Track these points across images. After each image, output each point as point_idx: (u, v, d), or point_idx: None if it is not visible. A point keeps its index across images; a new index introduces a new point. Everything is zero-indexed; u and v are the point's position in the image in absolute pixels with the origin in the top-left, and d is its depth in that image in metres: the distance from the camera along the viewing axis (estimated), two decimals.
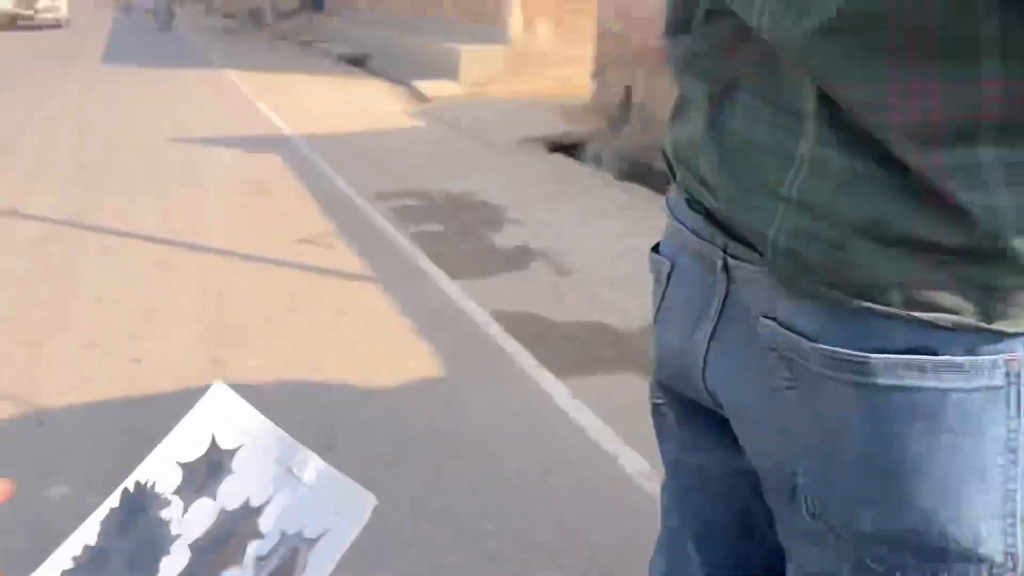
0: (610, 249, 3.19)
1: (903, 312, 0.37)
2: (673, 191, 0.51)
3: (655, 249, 0.53)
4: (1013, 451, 0.40)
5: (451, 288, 2.76)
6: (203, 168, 4.62)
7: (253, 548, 0.30)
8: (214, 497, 0.31)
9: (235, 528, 0.31)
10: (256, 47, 12.52)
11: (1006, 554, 0.41)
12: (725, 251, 0.43)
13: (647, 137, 4.38)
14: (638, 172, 4.11)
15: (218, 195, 4.05)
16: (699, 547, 0.60)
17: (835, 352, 0.38)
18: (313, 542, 0.31)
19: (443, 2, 8.31)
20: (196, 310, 2.64)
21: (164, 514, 0.31)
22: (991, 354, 0.38)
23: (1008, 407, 0.40)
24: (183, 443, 0.32)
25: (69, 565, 0.29)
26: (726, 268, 0.43)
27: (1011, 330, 0.36)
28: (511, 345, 2.28)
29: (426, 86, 7.07)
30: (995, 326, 0.36)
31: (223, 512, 0.31)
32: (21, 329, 2.54)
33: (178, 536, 0.31)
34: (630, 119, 4.81)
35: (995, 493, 0.41)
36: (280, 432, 0.32)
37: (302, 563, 0.30)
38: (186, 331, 2.50)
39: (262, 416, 0.32)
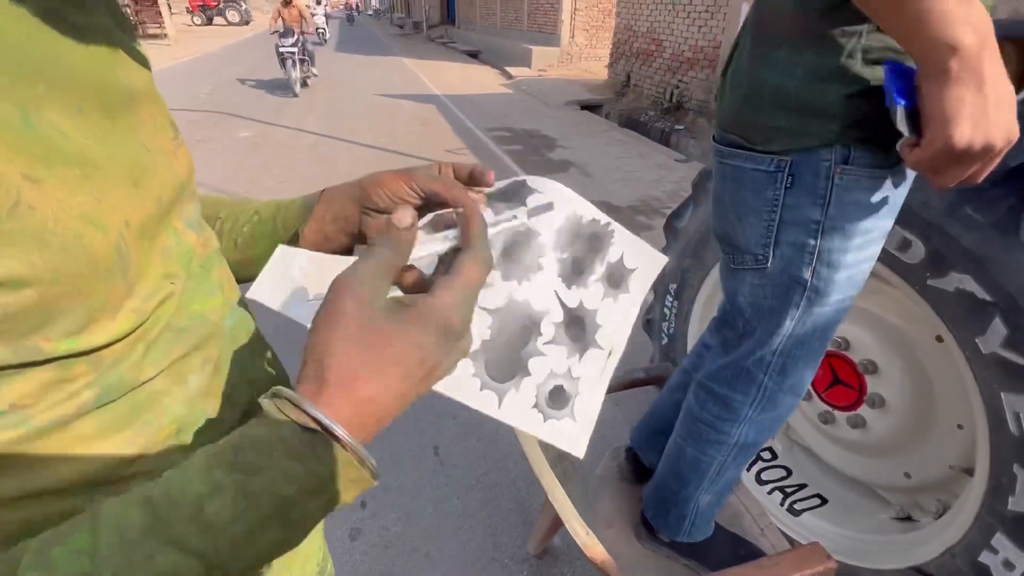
0: (615, 163, 5.07)
1: (741, 138, 0.73)
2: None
3: None
4: (775, 203, 0.72)
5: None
6: (393, 110, 7.24)
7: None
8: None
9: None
10: (416, 45, 17.43)
11: (763, 255, 0.75)
12: None
13: (636, 103, 7.38)
14: (630, 122, 6.80)
15: (402, 124, 6.46)
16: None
17: (714, 146, 0.77)
18: (631, 271, 0.43)
19: (523, 20, 12.39)
20: None
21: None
22: (766, 154, 0.71)
23: (776, 182, 0.71)
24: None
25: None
26: None
27: (776, 148, 0.69)
28: None
29: (512, 70, 10.59)
30: (769, 147, 0.70)
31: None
32: (312, 187, 4.86)
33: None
34: (628, 92, 7.87)
35: (762, 224, 0.74)
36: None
37: (626, 281, 0.43)
38: None
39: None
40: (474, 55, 13.85)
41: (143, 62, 0.34)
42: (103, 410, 0.28)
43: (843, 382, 1.29)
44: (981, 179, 0.56)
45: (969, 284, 0.88)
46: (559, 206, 0.41)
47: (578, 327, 0.41)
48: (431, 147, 5.49)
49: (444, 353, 0.29)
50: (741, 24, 0.80)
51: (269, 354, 0.42)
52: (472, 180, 0.42)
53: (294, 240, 0.45)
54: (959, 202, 0.89)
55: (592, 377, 0.41)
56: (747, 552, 1.08)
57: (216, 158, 5.08)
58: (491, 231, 0.37)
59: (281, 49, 7.80)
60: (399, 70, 11.48)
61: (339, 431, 0.26)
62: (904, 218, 0.95)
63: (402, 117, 6.87)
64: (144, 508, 0.24)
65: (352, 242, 0.45)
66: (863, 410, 1.26)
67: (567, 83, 9.00)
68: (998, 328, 0.85)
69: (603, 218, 0.43)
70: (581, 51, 10.64)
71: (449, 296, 0.30)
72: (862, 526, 1.25)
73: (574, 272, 0.41)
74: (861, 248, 0.74)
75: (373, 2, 48.50)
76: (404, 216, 0.32)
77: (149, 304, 0.30)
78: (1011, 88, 0.51)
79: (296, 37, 7.85)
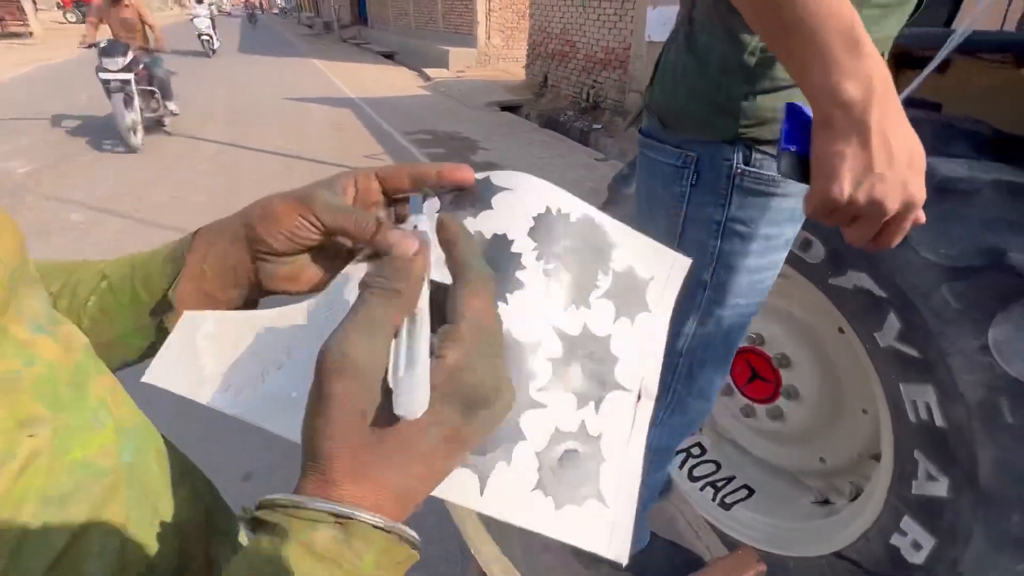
0: (538, 163, 5.15)
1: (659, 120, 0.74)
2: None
3: None
4: (681, 199, 0.73)
5: None
6: (304, 114, 6.88)
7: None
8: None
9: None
10: (328, 45, 16.61)
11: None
12: None
13: (555, 103, 7.47)
14: (550, 122, 6.89)
15: (315, 129, 6.20)
16: None
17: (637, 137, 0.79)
18: (646, 282, 0.34)
19: (439, 21, 12.30)
20: None
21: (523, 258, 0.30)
22: (676, 148, 0.71)
23: (683, 178, 0.71)
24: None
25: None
26: None
27: (683, 135, 0.70)
28: None
29: (429, 71, 10.42)
30: (678, 132, 0.70)
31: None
32: (215, 200, 3.86)
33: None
34: (546, 92, 7.98)
35: (670, 219, 0.75)
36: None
37: (641, 296, 0.33)
38: None
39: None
40: (389, 56, 13.56)
41: None
42: None
43: (761, 376, 1.34)
44: (895, 240, 0.50)
45: (865, 282, 0.92)
46: (525, 195, 0.32)
47: (589, 362, 0.31)
48: (348, 153, 5.32)
49: (471, 425, 0.23)
50: (649, 27, 0.78)
51: (183, 469, 0.33)
52: (430, 184, 0.32)
53: (163, 307, 0.33)
54: None
55: (620, 432, 0.30)
56: (683, 560, 1.08)
57: (97, 172, 4.56)
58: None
59: (103, 75, 4.55)
60: (310, 72, 10.94)
61: (365, 515, 0.22)
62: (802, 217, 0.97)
63: (315, 122, 6.58)
64: None
65: (251, 297, 0.34)
66: (780, 402, 1.31)
67: (486, 84, 8.99)
68: (893, 322, 0.89)
69: (597, 214, 0.33)
70: (498, 52, 10.67)
71: (458, 352, 0.23)
72: (787, 514, 1.30)
73: (568, 288, 0.31)
74: (761, 254, 0.73)
75: (279, 0, 46.00)
76: (408, 242, 0.25)
77: (1, 483, 0.21)
78: (917, 147, 0.48)
79: (129, 56, 4.64)
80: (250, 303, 0.35)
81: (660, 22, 5.42)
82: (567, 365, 0.30)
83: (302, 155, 5.19)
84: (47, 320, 0.27)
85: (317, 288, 0.33)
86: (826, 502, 1.30)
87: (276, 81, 9.68)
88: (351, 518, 0.22)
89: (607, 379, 0.31)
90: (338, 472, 0.22)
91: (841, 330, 1.13)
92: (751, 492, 1.42)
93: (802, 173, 0.51)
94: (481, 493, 0.27)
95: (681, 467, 1.52)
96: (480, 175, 0.33)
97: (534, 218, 0.32)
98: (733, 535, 1.31)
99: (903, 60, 1.32)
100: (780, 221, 0.71)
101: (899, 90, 1.17)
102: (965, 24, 0.82)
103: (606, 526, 0.29)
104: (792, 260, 1.03)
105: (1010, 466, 0.78)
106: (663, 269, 0.35)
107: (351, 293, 0.31)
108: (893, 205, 0.47)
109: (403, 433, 0.22)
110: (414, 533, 0.24)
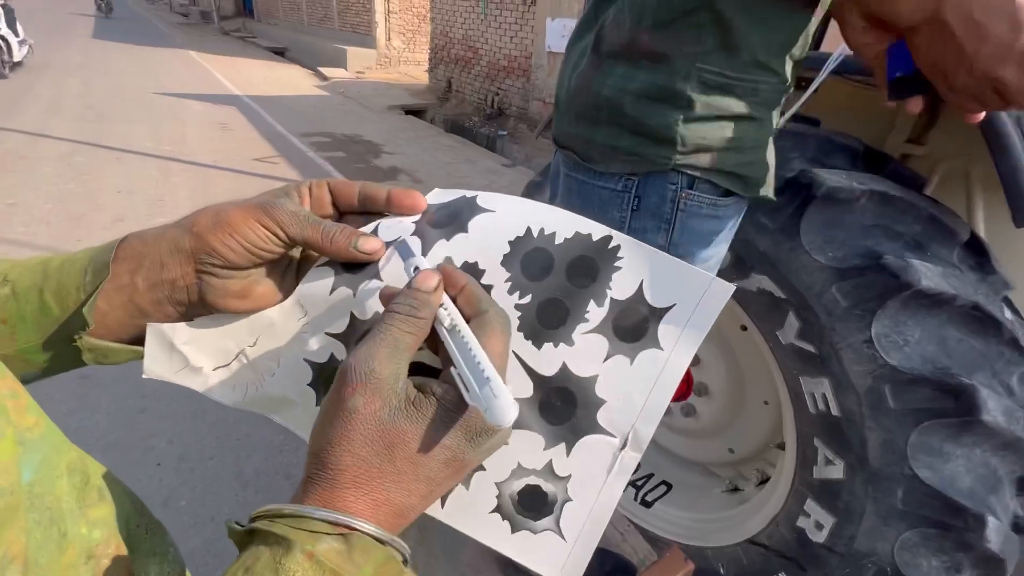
0: (444, 167, 5.08)
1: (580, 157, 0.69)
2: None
3: None
4: (621, 224, 0.69)
5: None
6: (181, 111, 6.21)
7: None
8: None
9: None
10: (207, 37, 14.93)
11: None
12: None
13: (460, 108, 7.44)
14: (456, 127, 6.85)
15: (195, 129, 5.62)
16: None
17: (561, 154, 0.74)
18: (662, 312, 0.29)
19: (335, 18, 11.73)
20: (190, 197, 3.76)
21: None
22: (617, 174, 0.67)
23: (623, 203, 0.67)
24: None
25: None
26: None
27: (615, 170, 0.66)
28: None
29: (326, 70, 9.89)
30: (611, 168, 0.67)
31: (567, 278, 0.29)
32: (66, 208, 3.38)
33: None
34: (450, 97, 7.96)
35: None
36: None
37: (652, 330, 0.28)
38: (184, 211, 3.85)
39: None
40: (280, 52, 12.63)
41: None
42: None
43: None
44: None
45: (767, 284, 0.98)
46: (506, 216, 0.30)
47: (564, 403, 0.29)
48: (234, 155, 4.91)
49: (474, 451, 0.25)
50: (549, 38, 0.75)
51: (102, 484, 0.28)
52: (374, 207, 0.32)
53: (78, 321, 0.30)
54: (752, 209, 0.98)
55: (593, 475, 0.29)
56: (613, 566, 1.08)
57: None
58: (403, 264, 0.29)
59: None
60: (186, 65, 9.89)
61: (369, 527, 0.23)
62: None
63: (194, 120, 6.03)
64: None
65: (186, 314, 0.32)
66: (692, 399, 1.37)
67: (388, 87, 8.73)
68: (792, 321, 0.96)
69: (597, 230, 0.30)
70: (399, 55, 10.42)
71: None
72: (703, 506, 1.36)
73: (545, 323, 0.29)
74: None
75: None
76: (429, 277, 0.27)
77: None
78: None
79: None
80: (186, 320, 0.32)
81: (559, 33, 5.61)
82: (536, 405, 0.29)
83: (179, 157, 4.72)
84: None
85: (266, 305, 0.32)
86: (736, 489, 1.38)
87: (142, 71, 8.63)
88: (355, 530, 0.22)
89: (585, 424, 0.29)
90: (347, 483, 0.23)
91: (744, 327, 1.21)
92: (669, 487, 1.47)
93: (913, 88, 0.53)
94: (442, 506, 0.29)
95: None
96: (470, 193, 0.32)
97: (510, 242, 0.30)
98: (655, 532, 1.35)
99: None
100: (717, 242, 0.72)
101: (784, 109, 1.25)
102: (839, 50, 0.91)
103: (561, 554, 0.29)
104: None
105: (893, 446, 0.87)
106: (690, 296, 0.29)
107: (325, 301, 0.30)
108: None
109: (413, 454, 0.24)
110: (408, 548, 0.24)
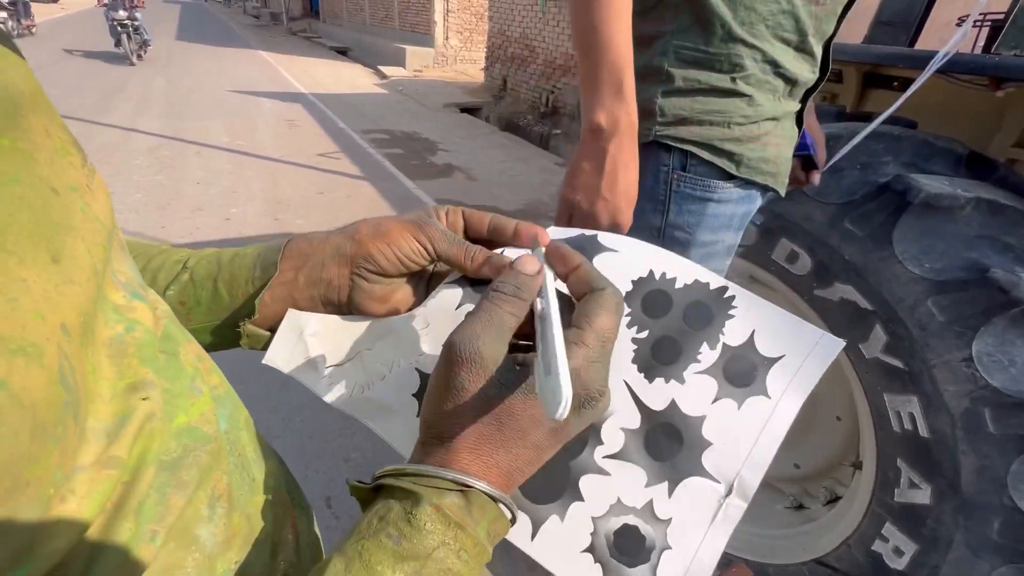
0: (499, 167, 5.08)
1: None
2: None
3: None
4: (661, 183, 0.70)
5: (410, 184, 4.29)
6: (253, 108, 6.55)
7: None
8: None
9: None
10: (276, 38, 15.81)
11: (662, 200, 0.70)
12: None
13: (514, 107, 7.48)
14: (510, 126, 6.88)
15: (265, 125, 5.92)
16: None
17: None
18: (771, 361, 0.29)
19: (395, 18, 12.11)
20: (261, 190, 3.97)
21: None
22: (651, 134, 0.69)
23: (661, 156, 0.70)
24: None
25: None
26: None
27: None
28: None
29: (386, 69, 10.17)
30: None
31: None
32: (153, 198, 3.70)
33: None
34: (505, 96, 8.00)
35: (651, 194, 0.71)
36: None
37: (760, 377, 0.28)
38: (256, 203, 3.70)
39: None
40: (343, 52, 13.08)
41: (10, 46, 0.23)
42: None
43: None
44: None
45: (851, 294, 0.93)
46: (629, 256, 0.31)
47: (669, 440, 0.29)
48: (300, 150, 5.10)
49: (577, 418, 0.26)
50: None
51: (264, 445, 0.33)
52: (501, 239, 0.33)
53: (246, 310, 0.34)
54: (840, 216, 0.94)
55: (695, 521, 0.28)
56: None
57: None
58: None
59: (114, 20, 8.40)
60: (258, 65, 10.42)
61: (484, 486, 0.25)
62: (791, 231, 0.98)
63: (264, 117, 6.31)
64: None
65: (331, 313, 0.35)
66: None
67: (444, 85, 8.87)
68: (879, 335, 0.91)
69: (715, 280, 0.31)
70: (456, 53, 10.55)
71: (580, 356, 0.25)
72: (765, 522, 1.32)
73: (659, 358, 0.30)
74: (701, 261, 0.75)
75: None
76: (531, 262, 0.28)
77: (121, 445, 0.21)
78: (635, 188, 0.60)
79: (127, 9, 8.58)
80: None
81: None
82: (643, 439, 0.29)
83: (251, 151, 4.96)
84: (140, 285, 0.27)
85: (401, 311, 0.35)
86: (800, 507, 1.32)
87: (218, 71, 9.18)
88: (472, 487, 0.24)
89: (689, 464, 0.29)
90: (460, 448, 0.25)
91: None
92: None
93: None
94: (532, 538, 0.29)
95: None
96: (589, 232, 0.33)
97: (633, 282, 0.31)
98: None
99: (870, 80, 1.38)
100: (717, 227, 0.73)
101: (870, 108, 1.19)
102: (947, 47, 0.85)
103: None
104: (778, 271, 1.04)
105: (991, 474, 0.81)
106: (800, 349, 0.30)
107: (449, 316, 0.32)
108: (603, 223, 0.60)
109: (521, 423, 0.25)
110: (515, 507, 0.26)
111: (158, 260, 0.35)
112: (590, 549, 0.28)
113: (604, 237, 0.33)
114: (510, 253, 0.33)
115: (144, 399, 0.23)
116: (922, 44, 1.44)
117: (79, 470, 0.19)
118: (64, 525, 0.19)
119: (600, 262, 0.32)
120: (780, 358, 0.30)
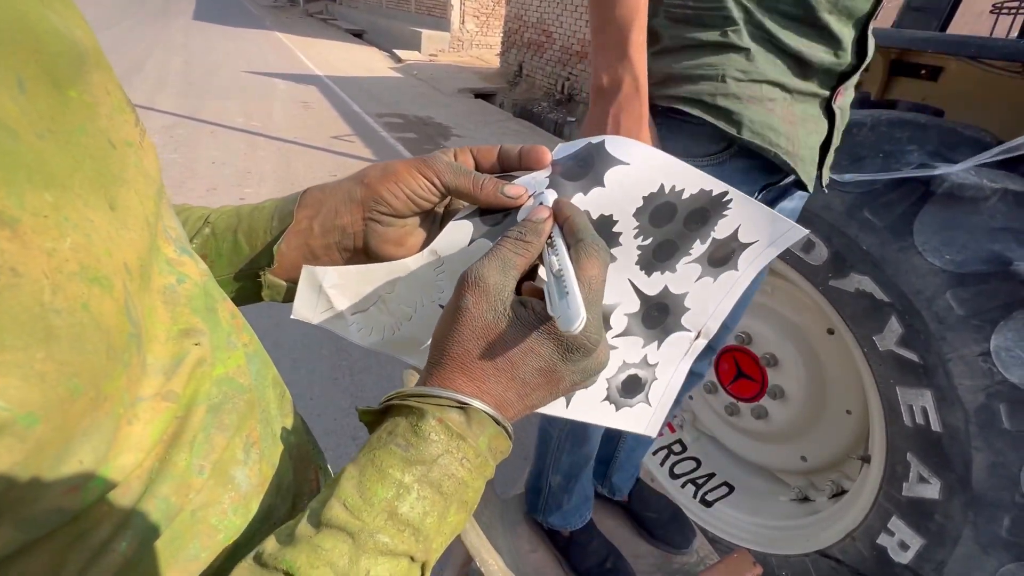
0: None
1: None
2: None
3: None
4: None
5: None
6: (268, 89, 6.54)
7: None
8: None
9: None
10: (292, 19, 15.76)
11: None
12: None
13: (529, 93, 7.41)
14: (525, 112, 6.79)
15: (280, 106, 5.90)
16: None
17: None
18: (746, 245, 0.36)
19: (411, 2, 11.99)
20: (274, 171, 3.95)
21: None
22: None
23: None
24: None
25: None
26: None
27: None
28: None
29: (401, 53, 10.06)
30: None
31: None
32: (167, 176, 4.21)
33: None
34: (520, 82, 7.90)
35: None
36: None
37: (735, 258, 0.36)
38: (269, 183, 3.69)
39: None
40: (358, 35, 13.00)
41: (73, 4, 0.24)
42: (137, 562, 0.22)
43: (747, 375, 1.34)
44: None
45: (868, 285, 0.91)
46: (640, 171, 0.33)
47: (660, 313, 0.37)
48: (314, 133, 5.08)
49: (568, 367, 0.28)
50: None
51: (288, 397, 0.34)
52: (510, 164, 0.35)
53: (264, 259, 0.35)
54: (858, 205, 0.92)
55: (673, 358, 0.38)
56: (613, 564, 1.05)
57: None
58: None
59: None
60: (274, 46, 10.38)
61: (480, 404, 0.26)
62: (807, 219, 0.96)
63: (279, 98, 6.28)
64: (338, 536, 0.23)
65: (350, 260, 0.36)
66: (765, 401, 1.31)
67: (459, 70, 8.77)
68: (894, 327, 0.89)
69: (718, 186, 0.35)
70: (472, 38, 10.41)
71: None
72: (768, 512, 1.31)
73: (658, 258, 0.36)
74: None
75: None
76: (541, 211, 0.30)
77: (177, 383, 0.23)
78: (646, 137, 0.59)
79: None
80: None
81: None
82: (640, 317, 0.36)
83: (265, 132, 4.96)
84: (186, 241, 0.29)
85: (416, 253, 0.36)
86: (805, 499, 1.32)
87: (234, 51, 9.15)
88: (470, 405, 0.26)
89: (673, 324, 0.37)
90: (456, 369, 0.27)
91: (830, 331, 1.14)
92: (731, 489, 1.43)
93: None
94: (567, 407, 0.36)
95: (662, 464, 1.52)
96: (595, 140, 0.33)
97: (644, 198, 0.33)
98: (716, 533, 1.32)
99: (897, 67, 1.34)
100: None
101: (895, 96, 1.14)
102: None
103: (647, 416, 0.39)
104: (793, 261, 1.03)
105: (1004, 470, 0.79)
106: (771, 235, 0.37)
107: (464, 252, 0.34)
108: None
109: (510, 354, 0.27)
110: (510, 427, 0.28)
111: (182, 216, 0.37)
112: (607, 398, 0.37)
113: (612, 144, 0.33)
114: (522, 180, 0.35)
115: (196, 344, 0.25)
116: (954, 31, 1.39)
117: (141, 399, 0.22)
118: (131, 444, 0.21)
119: (611, 177, 0.33)
120: (753, 243, 0.37)
